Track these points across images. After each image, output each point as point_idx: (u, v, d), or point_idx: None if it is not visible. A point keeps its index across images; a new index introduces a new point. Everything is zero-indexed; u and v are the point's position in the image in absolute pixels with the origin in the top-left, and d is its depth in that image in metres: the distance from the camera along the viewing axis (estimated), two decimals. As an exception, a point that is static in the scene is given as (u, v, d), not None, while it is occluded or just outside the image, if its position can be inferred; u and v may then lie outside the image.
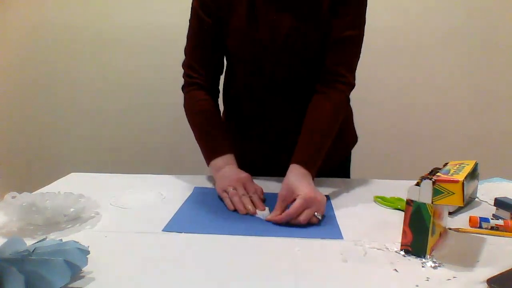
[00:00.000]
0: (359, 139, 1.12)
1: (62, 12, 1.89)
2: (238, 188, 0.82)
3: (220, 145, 0.92)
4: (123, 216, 0.75)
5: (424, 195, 0.58)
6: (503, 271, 0.54)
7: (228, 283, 0.52)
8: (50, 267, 0.48)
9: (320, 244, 0.64)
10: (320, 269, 0.55)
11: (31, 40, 1.93)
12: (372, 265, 0.57)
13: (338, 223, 0.73)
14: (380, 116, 1.90)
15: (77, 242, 0.55)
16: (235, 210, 0.78)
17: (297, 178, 0.78)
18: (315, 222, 0.72)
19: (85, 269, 0.53)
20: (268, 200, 0.85)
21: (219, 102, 1.01)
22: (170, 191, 0.90)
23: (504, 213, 0.75)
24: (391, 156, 1.92)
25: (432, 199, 0.57)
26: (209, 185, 0.96)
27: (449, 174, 0.60)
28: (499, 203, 0.76)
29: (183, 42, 0.97)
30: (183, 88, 0.99)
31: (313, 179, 0.82)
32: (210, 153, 0.92)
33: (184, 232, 0.67)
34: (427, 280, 0.53)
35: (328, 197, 0.86)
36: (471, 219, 0.72)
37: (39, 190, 0.86)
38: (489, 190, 0.90)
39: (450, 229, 0.70)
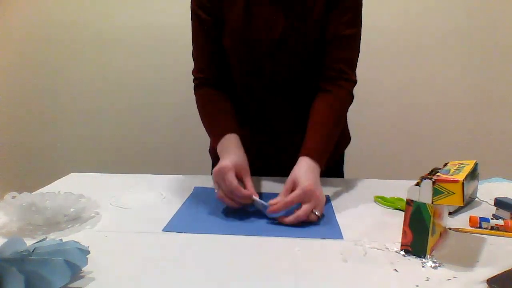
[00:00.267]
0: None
1: (62, 12, 1.89)
2: (220, 184, 0.77)
3: (222, 129, 0.89)
4: (123, 216, 0.75)
5: (424, 195, 0.58)
6: (503, 271, 0.54)
7: (228, 283, 0.52)
8: (50, 267, 0.48)
9: (320, 244, 0.64)
10: (320, 269, 0.55)
11: (31, 40, 1.93)
12: (372, 265, 0.57)
13: (338, 223, 0.73)
14: (381, 116, 1.90)
15: (77, 242, 0.55)
16: (236, 209, 0.78)
17: (303, 170, 0.78)
18: (314, 219, 0.72)
19: (85, 269, 0.53)
20: (267, 200, 0.84)
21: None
22: (170, 191, 0.90)
23: (504, 213, 0.75)
24: (392, 156, 1.92)
25: (432, 199, 0.57)
26: (209, 185, 0.95)
27: (449, 174, 0.60)
28: (499, 203, 0.76)
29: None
30: (195, 88, 0.98)
31: (321, 171, 0.81)
32: (214, 140, 0.89)
33: (184, 232, 0.67)
34: (427, 280, 0.53)
35: (328, 197, 0.86)
36: (471, 219, 0.72)
37: (39, 190, 0.86)
38: (489, 190, 0.90)
39: (450, 229, 0.70)
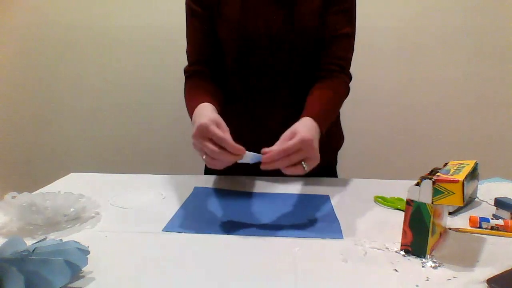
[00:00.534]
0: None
1: (62, 12, 1.89)
2: (204, 144, 0.67)
3: (198, 102, 0.81)
4: (123, 216, 0.75)
5: (424, 195, 0.58)
6: (503, 271, 0.54)
7: (228, 283, 0.52)
8: (50, 267, 0.48)
9: (320, 244, 0.64)
10: (320, 269, 0.55)
11: (31, 39, 1.93)
12: (372, 265, 0.57)
13: (339, 223, 0.73)
14: (381, 116, 1.90)
15: (77, 242, 0.55)
16: (236, 209, 0.78)
17: (303, 124, 0.74)
18: (300, 172, 0.67)
19: (85, 269, 0.53)
20: (267, 200, 0.85)
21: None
22: (170, 191, 0.90)
23: (504, 213, 0.75)
24: (392, 156, 1.92)
25: (432, 199, 0.57)
26: (209, 185, 0.95)
27: (449, 174, 0.60)
28: (499, 203, 0.76)
29: (184, 42, 0.97)
30: (185, 82, 0.96)
31: (320, 137, 0.77)
32: (190, 113, 0.82)
33: (184, 232, 0.67)
34: (427, 280, 0.53)
35: (328, 197, 0.87)
36: (471, 219, 0.72)
37: (39, 190, 0.86)
38: (489, 190, 0.90)
39: (450, 229, 0.70)
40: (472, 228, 0.71)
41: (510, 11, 1.77)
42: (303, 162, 0.68)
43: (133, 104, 1.96)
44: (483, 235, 0.68)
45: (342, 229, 0.70)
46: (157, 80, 1.91)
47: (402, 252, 0.60)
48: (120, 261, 0.57)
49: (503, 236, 0.67)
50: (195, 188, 0.92)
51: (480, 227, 0.70)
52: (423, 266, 0.56)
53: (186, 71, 0.98)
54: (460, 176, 0.58)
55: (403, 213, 0.61)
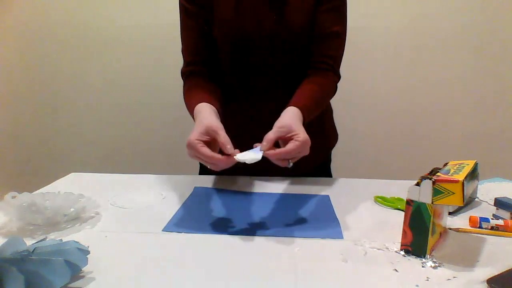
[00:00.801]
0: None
1: (62, 12, 1.89)
2: (196, 158, 0.71)
3: (196, 101, 0.83)
4: (123, 216, 0.75)
5: (424, 195, 0.58)
6: (503, 271, 0.54)
7: (228, 283, 0.52)
8: (50, 267, 0.48)
9: (320, 244, 0.64)
10: (320, 269, 0.55)
11: (31, 39, 1.93)
12: (372, 265, 0.57)
13: (339, 223, 0.73)
14: (381, 116, 1.90)
15: (77, 242, 0.55)
16: (236, 209, 0.78)
17: (293, 118, 0.76)
18: (284, 166, 0.71)
19: (85, 269, 0.53)
20: (267, 200, 0.85)
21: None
22: (170, 191, 0.90)
23: (504, 213, 0.75)
24: (392, 156, 1.92)
25: (432, 199, 0.57)
26: (209, 185, 0.96)
27: (449, 174, 0.60)
28: (499, 203, 0.76)
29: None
30: (184, 83, 0.97)
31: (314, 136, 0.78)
32: (192, 113, 0.84)
33: (184, 232, 0.67)
34: (427, 280, 0.53)
35: (328, 197, 0.87)
36: (471, 219, 0.72)
37: (39, 190, 0.86)
38: (489, 190, 0.90)
39: (450, 229, 0.70)
40: (472, 228, 0.71)
41: (510, 11, 1.77)
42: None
43: (133, 104, 1.96)
44: (483, 235, 0.68)
45: (342, 229, 0.70)
46: (157, 80, 1.91)
47: (402, 252, 0.60)
48: (120, 261, 0.57)
49: (503, 236, 0.67)
50: (195, 188, 0.92)
51: (480, 227, 0.70)
52: (423, 266, 0.56)
53: (183, 72, 0.98)
54: (460, 176, 0.58)
55: (403, 213, 0.61)
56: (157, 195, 0.87)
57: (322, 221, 0.73)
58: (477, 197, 0.86)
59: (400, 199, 0.82)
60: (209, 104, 0.81)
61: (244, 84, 0.97)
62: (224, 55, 0.95)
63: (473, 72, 1.83)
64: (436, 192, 0.57)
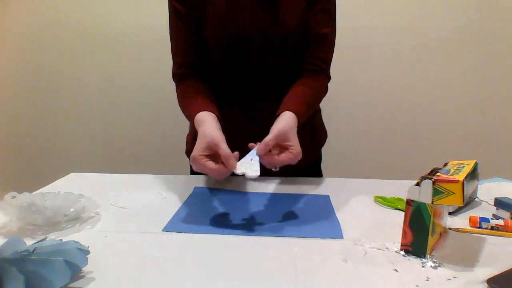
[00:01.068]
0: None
1: (62, 12, 1.89)
2: (201, 171, 0.75)
3: (193, 109, 0.85)
4: (123, 216, 0.75)
5: (424, 195, 0.58)
6: (503, 271, 0.54)
7: (228, 283, 0.52)
8: (50, 267, 0.48)
9: (320, 244, 0.64)
10: (320, 269, 0.55)
11: (31, 40, 1.93)
12: (372, 265, 0.57)
13: (339, 223, 0.73)
14: (381, 116, 1.90)
15: (77, 242, 0.55)
16: (236, 209, 0.78)
17: (290, 124, 0.78)
18: (270, 168, 0.75)
19: (85, 269, 0.53)
20: (267, 200, 0.85)
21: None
22: (170, 191, 0.90)
23: (504, 213, 0.75)
24: (392, 156, 1.92)
25: (432, 199, 0.57)
26: (209, 185, 0.95)
27: (449, 174, 0.60)
28: (499, 203, 0.76)
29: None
30: (176, 86, 0.99)
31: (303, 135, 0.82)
32: (190, 119, 0.86)
33: (184, 232, 0.67)
34: (427, 280, 0.53)
35: (328, 197, 0.87)
36: (471, 219, 0.72)
37: (39, 190, 0.86)
38: (489, 190, 0.90)
39: (450, 229, 0.70)
40: (472, 228, 0.71)
41: (510, 11, 1.77)
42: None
43: (133, 104, 1.96)
44: (483, 235, 0.68)
45: (342, 229, 0.70)
46: (157, 80, 1.91)
47: (402, 252, 0.60)
48: (120, 261, 0.57)
49: (503, 236, 0.67)
50: (195, 188, 0.92)
51: (480, 227, 0.70)
52: (423, 266, 0.56)
53: (174, 74, 0.98)
54: (460, 176, 0.58)
55: (403, 213, 0.61)
56: (157, 195, 0.87)
57: (322, 221, 0.73)
58: (477, 197, 0.86)
59: (400, 199, 0.82)
60: (209, 112, 0.83)
61: (240, 84, 0.97)
62: (218, 55, 0.95)
63: (473, 72, 1.83)
64: (436, 192, 0.57)
